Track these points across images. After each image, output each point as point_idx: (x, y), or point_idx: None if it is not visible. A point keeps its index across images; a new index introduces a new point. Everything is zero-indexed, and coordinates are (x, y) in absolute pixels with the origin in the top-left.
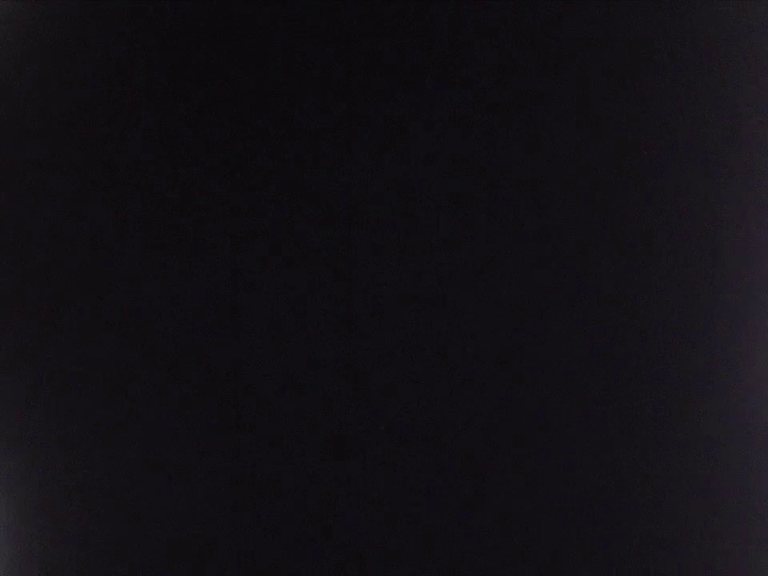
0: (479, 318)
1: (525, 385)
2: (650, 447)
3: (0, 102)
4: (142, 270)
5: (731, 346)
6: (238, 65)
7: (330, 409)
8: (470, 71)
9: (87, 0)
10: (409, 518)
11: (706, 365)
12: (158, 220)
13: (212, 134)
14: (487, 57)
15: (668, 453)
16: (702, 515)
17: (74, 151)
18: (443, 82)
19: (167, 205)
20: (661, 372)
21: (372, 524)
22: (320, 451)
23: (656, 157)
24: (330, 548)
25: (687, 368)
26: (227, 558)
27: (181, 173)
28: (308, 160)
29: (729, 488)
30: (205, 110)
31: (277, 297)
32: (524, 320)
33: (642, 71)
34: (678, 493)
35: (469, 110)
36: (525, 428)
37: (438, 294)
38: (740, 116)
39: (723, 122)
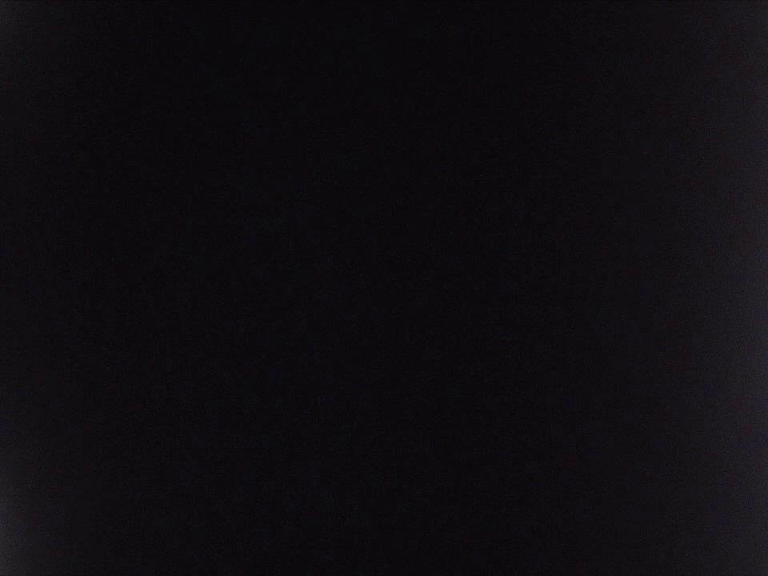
0: (479, 316)
1: (524, 382)
2: (652, 449)
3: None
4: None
5: (739, 345)
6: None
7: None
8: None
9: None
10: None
11: (717, 363)
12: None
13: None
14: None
15: (674, 454)
16: (709, 516)
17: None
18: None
19: (164, 203)
20: (668, 371)
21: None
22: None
23: (661, 156)
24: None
25: (697, 367)
26: (218, 559)
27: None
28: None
29: (732, 489)
30: (202, 109)
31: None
32: (524, 319)
33: (646, 70)
34: (683, 495)
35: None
36: (524, 427)
37: (439, 290)
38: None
39: (733, 121)
